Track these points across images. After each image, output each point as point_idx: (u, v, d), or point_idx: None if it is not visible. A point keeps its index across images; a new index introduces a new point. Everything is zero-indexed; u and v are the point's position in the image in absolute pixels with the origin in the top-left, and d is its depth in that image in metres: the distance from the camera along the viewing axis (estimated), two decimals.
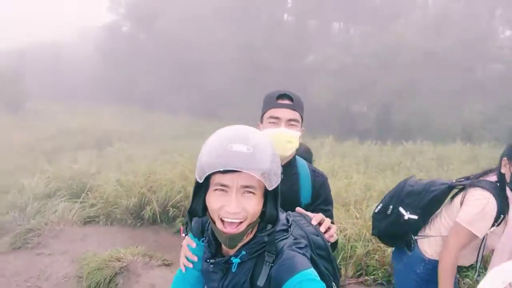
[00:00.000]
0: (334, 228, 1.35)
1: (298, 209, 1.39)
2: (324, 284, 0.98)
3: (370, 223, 2.35)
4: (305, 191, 1.73)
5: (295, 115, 1.63)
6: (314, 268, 1.04)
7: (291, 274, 0.96)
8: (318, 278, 0.98)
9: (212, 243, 1.10)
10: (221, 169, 0.92)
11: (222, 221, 0.98)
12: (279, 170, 1.00)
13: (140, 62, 24.92)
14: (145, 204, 5.12)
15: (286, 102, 1.63)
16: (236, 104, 18.94)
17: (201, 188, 1.02)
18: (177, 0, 25.83)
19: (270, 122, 1.63)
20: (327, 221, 1.34)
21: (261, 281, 1.00)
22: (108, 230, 4.92)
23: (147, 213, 4.98)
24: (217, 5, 23.19)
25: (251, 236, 1.05)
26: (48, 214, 5.09)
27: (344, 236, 3.80)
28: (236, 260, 1.06)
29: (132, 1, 28.52)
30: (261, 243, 1.04)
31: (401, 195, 2.02)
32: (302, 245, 1.07)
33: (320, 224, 1.31)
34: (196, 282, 1.29)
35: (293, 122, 1.62)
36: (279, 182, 1.00)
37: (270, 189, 0.97)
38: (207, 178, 0.97)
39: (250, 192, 0.96)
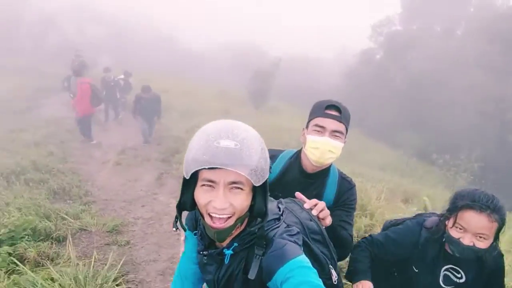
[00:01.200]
0: (326, 211, 1.43)
1: (297, 194, 1.48)
2: (315, 270, 1.01)
3: None
4: (329, 193, 1.77)
5: (340, 126, 1.66)
6: (308, 253, 1.12)
7: (282, 263, 1.01)
8: (309, 265, 1.02)
9: (205, 235, 1.12)
10: (204, 167, 0.94)
11: (210, 216, 1.01)
12: (267, 165, 1.02)
13: (383, 92, 25.80)
14: None
15: (334, 113, 1.67)
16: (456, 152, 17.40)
17: (190, 182, 1.04)
18: (432, 38, 26.20)
19: (315, 130, 1.68)
20: (320, 204, 1.42)
21: (252, 274, 1.04)
22: None
23: None
24: (478, 51, 22.57)
25: (241, 228, 1.09)
26: None
27: None
28: (228, 252, 1.10)
29: (391, 32, 30.33)
30: (252, 234, 1.08)
31: None
32: (293, 232, 1.11)
33: (312, 209, 1.38)
34: (196, 279, 1.34)
35: (337, 134, 1.66)
36: (267, 178, 1.02)
37: (256, 185, 0.99)
38: (195, 172, 0.99)
39: (238, 188, 0.99)
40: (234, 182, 0.98)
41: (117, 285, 3.08)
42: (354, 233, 2.25)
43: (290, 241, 1.07)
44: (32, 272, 2.97)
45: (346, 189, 1.79)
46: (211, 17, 42.13)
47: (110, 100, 11.18)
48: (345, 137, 1.72)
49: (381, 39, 31.05)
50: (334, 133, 1.67)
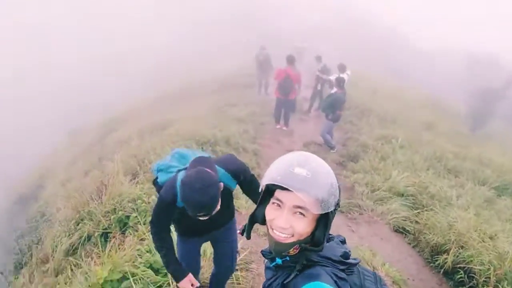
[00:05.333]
0: None
1: None
2: None
3: None
4: (227, 181, 2.30)
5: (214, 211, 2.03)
6: None
7: (308, 281, 1.11)
8: None
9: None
10: (277, 184, 1.12)
11: (273, 230, 1.17)
12: (333, 199, 1.13)
13: None
14: None
15: (204, 218, 2.04)
16: None
17: (266, 199, 1.22)
18: None
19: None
20: None
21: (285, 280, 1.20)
22: None
23: None
24: None
25: (298, 250, 1.20)
26: None
27: None
28: (278, 260, 1.24)
29: None
30: (305, 257, 1.19)
31: None
32: (340, 275, 1.17)
33: None
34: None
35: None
36: (329, 210, 1.13)
37: (315, 212, 1.11)
38: (272, 191, 1.18)
39: (301, 213, 1.12)
40: (298, 207, 1.12)
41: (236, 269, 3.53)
42: None
43: (332, 278, 1.14)
44: None
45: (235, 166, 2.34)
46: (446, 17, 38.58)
47: (315, 92, 11.86)
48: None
49: None
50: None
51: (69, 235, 5.41)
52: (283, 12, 30.75)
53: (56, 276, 4.67)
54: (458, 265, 4.49)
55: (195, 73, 19.75)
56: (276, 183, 1.11)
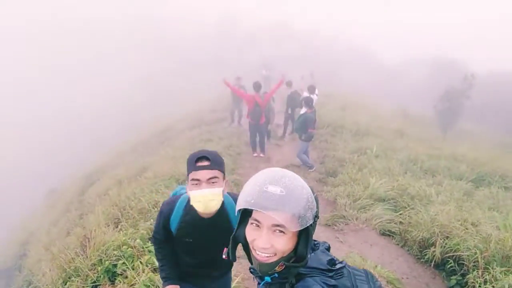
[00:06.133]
0: None
1: None
2: None
3: None
4: (234, 218, 2.05)
5: (213, 173, 1.92)
6: None
7: None
8: None
9: None
10: (250, 208, 1.10)
11: (255, 250, 1.16)
12: (310, 214, 1.13)
13: None
14: None
15: (204, 163, 1.91)
16: None
17: (246, 218, 1.20)
18: None
19: (192, 184, 1.93)
20: None
21: None
22: None
23: None
24: None
25: (283, 266, 1.18)
26: None
27: None
28: (267, 278, 1.23)
29: None
30: (289, 270, 1.18)
31: None
32: (330, 283, 1.17)
33: None
34: None
35: (213, 180, 1.92)
36: (307, 224, 1.12)
37: (292, 230, 1.11)
38: (250, 211, 1.16)
39: (281, 231, 1.11)
40: (277, 225, 1.11)
41: None
42: None
43: (322, 286, 1.14)
44: None
45: None
46: (410, 31, 40.63)
47: (287, 116, 12.13)
48: (224, 178, 1.99)
49: None
50: (209, 181, 1.91)
51: None
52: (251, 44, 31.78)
53: None
54: (447, 255, 4.61)
55: (166, 115, 19.94)
56: (250, 208, 1.10)
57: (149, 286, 3.93)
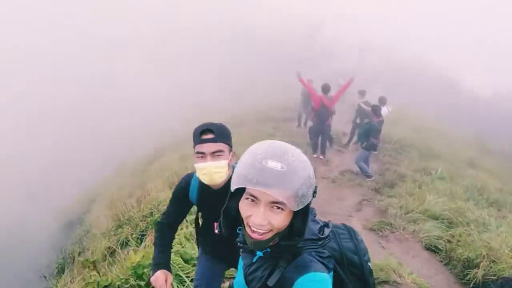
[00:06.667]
0: None
1: None
2: None
3: None
4: None
5: (218, 146, 1.90)
6: (338, 282, 1.19)
7: (302, 273, 1.09)
8: (329, 285, 1.10)
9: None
10: (250, 187, 1.04)
11: (250, 227, 1.10)
12: (310, 191, 1.08)
13: None
14: None
15: (209, 136, 1.90)
16: None
17: (238, 189, 1.10)
18: None
19: (198, 157, 1.92)
20: None
21: (271, 281, 1.13)
22: None
23: None
24: None
25: (277, 241, 1.15)
26: None
27: None
28: (259, 253, 1.20)
29: None
30: (284, 248, 1.15)
31: None
32: (324, 255, 1.17)
33: None
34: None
35: (217, 153, 1.91)
36: (307, 202, 1.09)
37: (294, 209, 1.06)
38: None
39: (279, 207, 1.07)
40: (275, 202, 1.06)
41: None
42: None
43: (319, 261, 1.15)
44: None
45: None
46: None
47: (354, 126, 12.02)
48: (230, 150, 1.97)
49: None
50: (214, 154, 1.89)
51: (108, 239, 5.83)
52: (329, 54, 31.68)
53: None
54: (488, 279, 4.38)
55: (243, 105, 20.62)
56: (250, 187, 1.05)
57: (189, 239, 4.27)
